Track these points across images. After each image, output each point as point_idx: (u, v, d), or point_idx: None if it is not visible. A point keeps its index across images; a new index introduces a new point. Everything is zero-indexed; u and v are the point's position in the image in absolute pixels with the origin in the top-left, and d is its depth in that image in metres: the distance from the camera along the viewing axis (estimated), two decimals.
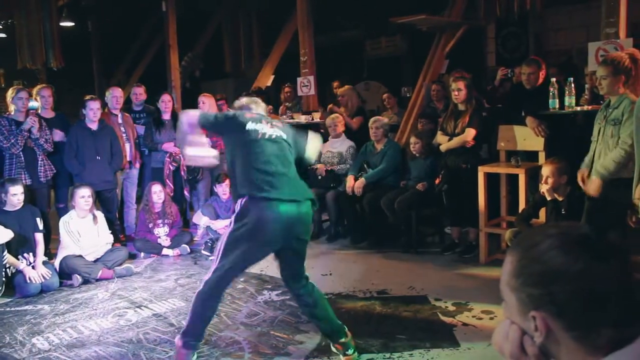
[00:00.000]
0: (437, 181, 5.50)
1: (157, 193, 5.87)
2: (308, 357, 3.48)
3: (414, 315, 4.06)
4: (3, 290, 4.77)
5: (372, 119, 6.12)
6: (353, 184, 5.84)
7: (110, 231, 5.51)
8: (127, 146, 6.22)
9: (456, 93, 5.27)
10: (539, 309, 1.04)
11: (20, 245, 5.01)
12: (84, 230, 5.29)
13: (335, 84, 8.38)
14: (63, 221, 5.31)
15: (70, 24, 12.44)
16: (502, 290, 1.13)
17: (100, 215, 5.46)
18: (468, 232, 5.43)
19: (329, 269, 5.17)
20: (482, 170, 5.11)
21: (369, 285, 4.69)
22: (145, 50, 12.85)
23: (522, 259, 1.08)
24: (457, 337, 3.64)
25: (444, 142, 5.38)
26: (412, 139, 5.82)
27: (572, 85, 4.75)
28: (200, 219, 5.97)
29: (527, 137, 5.08)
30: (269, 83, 9.63)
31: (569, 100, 4.75)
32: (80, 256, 5.16)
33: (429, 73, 7.29)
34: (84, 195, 5.27)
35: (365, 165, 6.02)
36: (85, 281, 5.06)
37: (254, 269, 5.21)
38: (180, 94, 8.86)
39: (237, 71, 11.85)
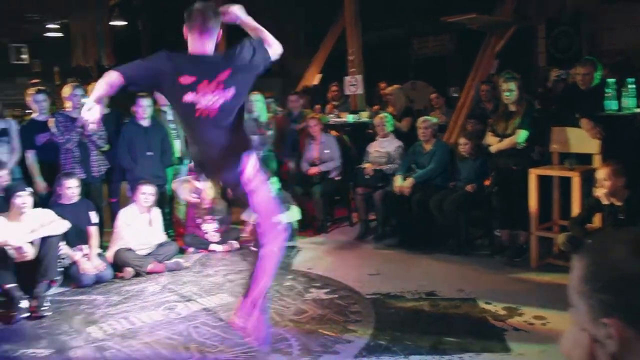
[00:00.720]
0: (487, 182, 5.42)
1: (207, 190, 5.95)
2: (357, 356, 3.48)
3: (464, 318, 4.03)
4: (62, 280, 4.92)
5: (420, 119, 6.07)
6: (401, 184, 5.81)
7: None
8: (177, 142, 6.32)
9: (507, 94, 5.19)
10: (611, 315, 1.02)
11: (75, 238, 5.15)
12: (139, 225, 5.41)
13: (382, 84, 8.34)
14: (122, 213, 5.45)
15: (121, 23, 12.75)
16: (571, 296, 1.11)
17: (157, 212, 5.58)
18: (518, 235, 5.34)
19: (377, 269, 5.16)
20: (533, 173, 5.01)
21: (417, 286, 4.66)
22: None
23: (592, 265, 1.06)
24: (509, 342, 3.59)
25: (494, 143, 5.30)
26: (462, 140, 5.75)
27: (632, 86, 4.61)
28: (250, 216, 6.02)
29: (581, 139, 4.96)
30: (315, 82, 9.64)
31: (628, 101, 4.62)
32: (132, 250, 5.28)
33: (478, 73, 7.20)
34: (145, 192, 5.41)
35: (413, 166, 5.97)
36: (136, 274, 5.17)
37: (302, 266, 5.29)
38: None
39: (284, 70, 11.91)
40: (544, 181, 5.07)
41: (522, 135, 5.09)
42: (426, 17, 9.30)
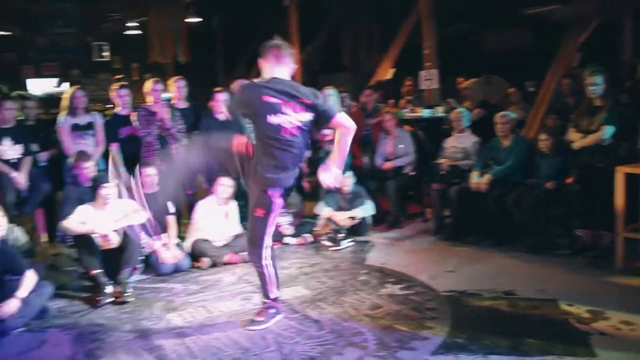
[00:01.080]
0: (569, 180, 5.22)
1: None
2: (434, 354, 3.43)
3: (545, 319, 3.89)
4: (143, 268, 5.10)
5: (499, 114, 5.91)
6: (478, 180, 5.68)
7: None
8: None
9: (593, 88, 4.97)
10: None
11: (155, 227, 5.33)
12: (217, 217, 5.54)
13: (460, 79, 8.17)
14: (200, 205, 5.59)
15: (196, 20, 13.07)
16: None
17: (233, 205, 5.69)
18: (602, 235, 5.11)
19: (452, 266, 5.07)
20: (620, 171, 4.78)
21: (494, 284, 4.55)
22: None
23: None
24: (594, 346, 3.44)
25: (577, 139, 5.09)
26: (543, 136, 5.56)
27: None
28: (322, 210, 6.06)
29: None
30: (388, 76, 9.56)
31: None
32: (209, 241, 5.40)
33: (558, 67, 6.94)
34: (223, 184, 5.53)
35: (490, 162, 5.82)
36: (213, 264, 5.29)
37: (375, 261, 5.27)
38: None
39: (355, 64, 11.89)
40: (631, 180, 4.83)
41: (608, 131, 4.87)
42: (501, 9, 9.04)
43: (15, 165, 5.64)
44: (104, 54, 14.62)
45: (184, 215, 6.07)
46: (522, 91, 7.88)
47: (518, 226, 5.54)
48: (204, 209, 5.57)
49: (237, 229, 5.64)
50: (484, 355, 3.36)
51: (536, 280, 4.63)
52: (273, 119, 3.53)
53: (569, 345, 3.46)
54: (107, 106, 13.04)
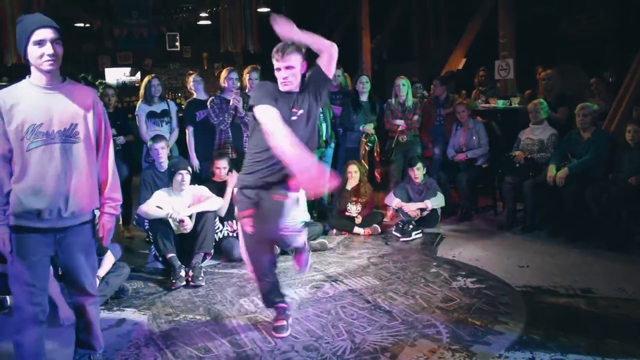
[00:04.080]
0: None
1: (352, 173, 6.01)
2: (509, 349, 3.34)
3: (627, 320, 3.72)
4: (213, 253, 5.21)
5: (579, 106, 5.67)
6: (555, 174, 5.49)
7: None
8: (324, 126, 6.42)
9: None
10: None
11: (226, 214, 5.43)
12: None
13: (539, 68, 7.87)
14: None
15: (266, 9, 13.17)
16: None
17: (302, 193, 5.70)
18: None
19: (525, 261, 4.93)
20: None
21: (570, 281, 4.39)
22: (330, 33, 13.19)
23: None
24: None
25: None
26: (630, 127, 5.30)
27: None
28: (392, 201, 6.02)
29: None
30: (460, 66, 9.36)
31: None
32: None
33: None
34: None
35: (569, 155, 5.61)
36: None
37: (446, 254, 5.19)
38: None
39: (424, 53, 11.70)
40: None
41: None
42: None
43: None
44: (176, 44, 14.97)
45: None
46: (603, 81, 7.53)
47: (595, 222, 5.32)
48: None
49: (306, 216, 5.64)
50: (562, 354, 3.25)
51: (615, 278, 4.44)
52: None
53: None
54: (178, 94, 13.48)
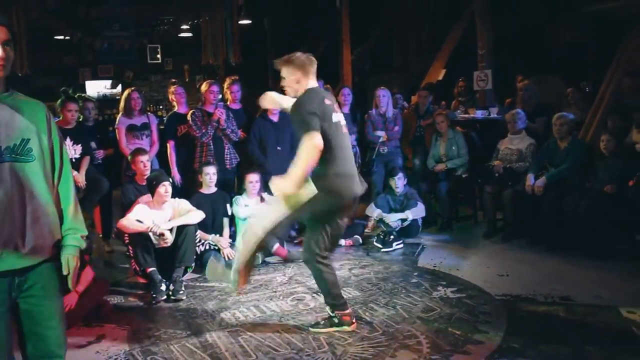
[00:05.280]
0: (630, 183, 5.04)
1: None
2: (489, 358, 3.37)
3: (605, 327, 3.78)
4: (194, 267, 5.18)
5: (555, 115, 5.75)
6: (533, 183, 5.55)
7: None
8: None
9: None
10: None
11: (211, 227, 5.42)
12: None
13: (519, 77, 7.97)
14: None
15: (247, 21, 13.21)
16: None
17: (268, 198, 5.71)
18: None
19: (505, 270, 4.97)
20: None
21: (549, 289, 4.44)
22: (315, 46, 13.25)
23: None
24: None
25: None
26: (605, 137, 5.38)
27: None
28: (373, 211, 6.04)
29: None
30: (440, 77, 9.44)
31: None
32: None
33: (620, 65, 6.66)
34: (251, 181, 5.62)
35: (547, 164, 5.68)
36: (264, 263, 5.33)
37: (427, 264, 5.22)
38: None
39: (404, 65, 11.79)
40: None
41: None
42: (561, 5, 8.76)
43: (75, 164, 5.81)
44: (157, 56, 14.93)
45: None
46: (580, 91, 7.63)
47: (574, 230, 5.38)
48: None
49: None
50: None
51: (593, 286, 4.49)
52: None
53: (632, 356, 3.35)
54: (159, 107, 13.43)
